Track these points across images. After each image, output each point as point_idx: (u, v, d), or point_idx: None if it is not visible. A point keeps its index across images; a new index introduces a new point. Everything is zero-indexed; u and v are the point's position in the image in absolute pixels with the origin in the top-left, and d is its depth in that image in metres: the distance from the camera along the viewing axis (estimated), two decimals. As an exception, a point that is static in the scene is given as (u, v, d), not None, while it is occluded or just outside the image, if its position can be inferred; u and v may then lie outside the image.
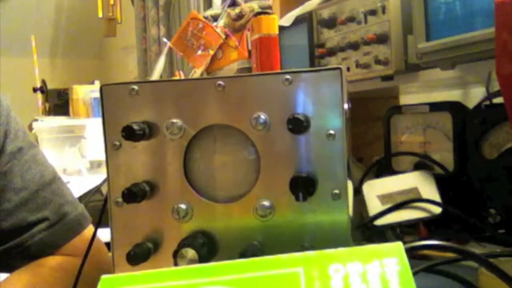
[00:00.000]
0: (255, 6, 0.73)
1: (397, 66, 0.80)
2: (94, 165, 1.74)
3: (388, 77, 0.83)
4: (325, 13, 0.92)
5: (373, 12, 0.82)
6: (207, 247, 0.44)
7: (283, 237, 0.43)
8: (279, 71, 0.51)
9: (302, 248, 0.42)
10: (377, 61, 0.82)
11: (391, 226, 0.77)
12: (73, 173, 1.71)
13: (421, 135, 0.89)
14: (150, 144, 0.46)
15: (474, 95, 1.03)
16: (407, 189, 0.79)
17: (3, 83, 2.11)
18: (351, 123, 0.49)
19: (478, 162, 0.77)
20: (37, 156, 0.66)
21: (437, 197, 0.77)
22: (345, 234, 0.43)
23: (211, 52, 0.74)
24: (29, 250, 0.62)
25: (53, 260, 0.63)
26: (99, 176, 1.41)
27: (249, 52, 0.67)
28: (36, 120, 1.87)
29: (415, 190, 0.79)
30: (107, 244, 0.51)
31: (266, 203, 0.43)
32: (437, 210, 0.75)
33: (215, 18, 0.77)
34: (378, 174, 0.94)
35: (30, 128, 1.80)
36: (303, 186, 0.42)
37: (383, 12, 0.80)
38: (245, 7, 0.73)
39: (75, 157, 1.75)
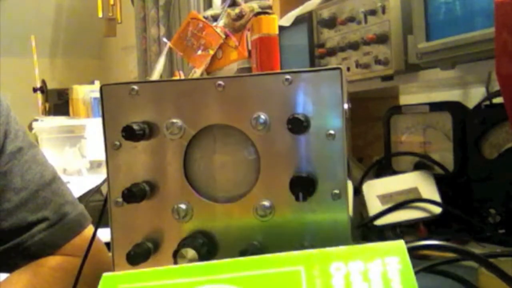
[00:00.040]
0: (255, 6, 0.73)
1: (397, 66, 0.80)
2: (94, 165, 1.74)
3: (388, 77, 0.83)
4: (325, 13, 0.92)
5: (373, 12, 0.82)
6: (207, 247, 0.44)
7: (283, 237, 0.43)
8: (279, 71, 0.51)
9: (302, 248, 0.42)
10: (377, 61, 0.82)
11: (391, 226, 0.77)
12: (73, 173, 1.71)
13: (421, 135, 0.89)
14: (150, 144, 0.46)
15: (474, 95, 1.03)
16: (407, 189, 0.79)
17: (3, 83, 2.11)
18: (351, 123, 0.49)
19: (478, 162, 0.77)
20: (37, 156, 0.66)
21: (437, 197, 0.77)
22: (345, 234, 0.43)
23: (211, 52, 0.74)
24: (29, 250, 0.62)
25: (53, 260, 0.63)
26: (99, 176, 1.41)
27: (249, 52, 0.67)
28: (36, 120, 1.87)
29: (415, 190, 0.79)
30: (107, 244, 0.51)
31: (266, 203, 0.43)
32: (437, 210, 0.75)
33: (215, 18, 0.77)
34: (378, 174, 0.94)
35: (30, 128, 1.80)
36: (303, 186, 0.42)
37: (383, 12, 0.80)
38: (245, 7, 0.73)
39: (75, 157, 1.75)
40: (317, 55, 0.95)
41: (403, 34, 0.79)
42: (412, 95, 1.15)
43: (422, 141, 0.88)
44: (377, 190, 0.81)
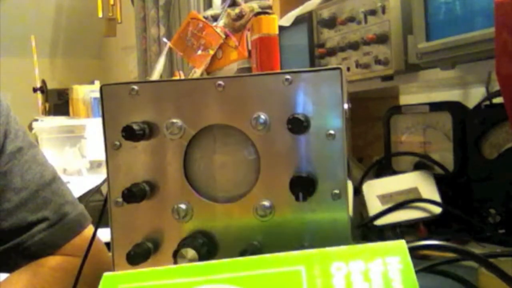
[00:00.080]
0: (255, 6, 0.73)
1: (397, 66, 0.80)
2: (94, 165, 1.74)
3: (388, 77, 0.83)
4: (325, 13, 0.92)
5: (373, 12, 0.82)
6: (207, 247, 0.44)
7: (283, 237, 0.43)
8: (279, 71, 0.51)
9: (302, 248, 0.42)
10: (377, 61, 0.82)
11: (391, 226, 0.77)
12: (73, 173, 1.71)
13: (421, 135, 0.89)
14: (150, 144, 0.46)
15: (474, 95, 1.03)
16: (407, 189, 0.79)
17: (3, 83, 2.11)
18: (351, 123, 0.49)
19: (478, 162, 0.77)
20: (37, 156, 0.66)
21: (437, 197, 0.77)
22: (345, 234, 0.43)
23: (211, 52, 0.74)
24: (29, 250, 0.62)
25: (53, 260, 0.63)
26: (99, 176, 1.41)
27: (249, 52, 0.67)
28: (36, 120, 1.87)
29: (415, 190, 0.79)
30: (107, 244, 0.51)
31: (266, 203, 0.43)
32: (437, 210, 0.75)
33: (215, 18, 0.77)
34: (378, 174, 0.94)
35: (30, 128, 1.80)
36: (303, 186, 0.42)
37: (383, 12, 0.80)
38: (245, 7, 0.73)
39: (75, 157, 1.75)
40: (317, 55, 0.95)
41: (403, 34, 0.80)
42: (412, 95, 1.15)
43: (422, 141, 0.88)
44: (377, 190, 0.81)
